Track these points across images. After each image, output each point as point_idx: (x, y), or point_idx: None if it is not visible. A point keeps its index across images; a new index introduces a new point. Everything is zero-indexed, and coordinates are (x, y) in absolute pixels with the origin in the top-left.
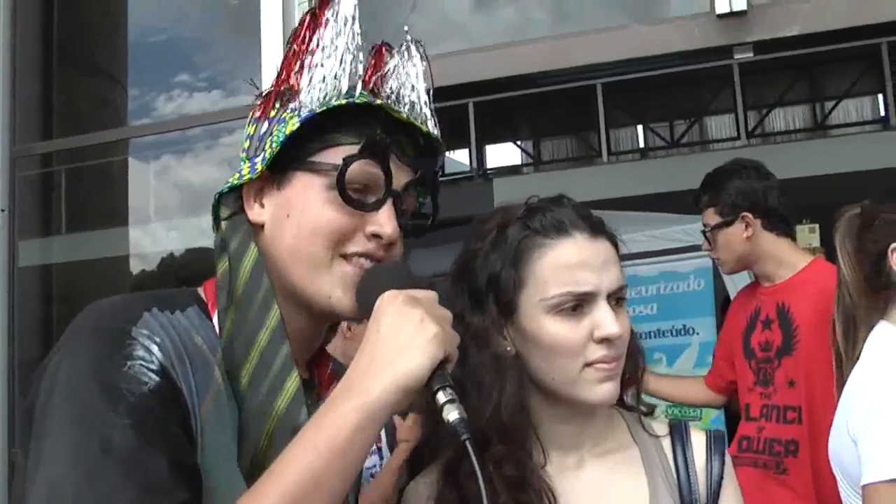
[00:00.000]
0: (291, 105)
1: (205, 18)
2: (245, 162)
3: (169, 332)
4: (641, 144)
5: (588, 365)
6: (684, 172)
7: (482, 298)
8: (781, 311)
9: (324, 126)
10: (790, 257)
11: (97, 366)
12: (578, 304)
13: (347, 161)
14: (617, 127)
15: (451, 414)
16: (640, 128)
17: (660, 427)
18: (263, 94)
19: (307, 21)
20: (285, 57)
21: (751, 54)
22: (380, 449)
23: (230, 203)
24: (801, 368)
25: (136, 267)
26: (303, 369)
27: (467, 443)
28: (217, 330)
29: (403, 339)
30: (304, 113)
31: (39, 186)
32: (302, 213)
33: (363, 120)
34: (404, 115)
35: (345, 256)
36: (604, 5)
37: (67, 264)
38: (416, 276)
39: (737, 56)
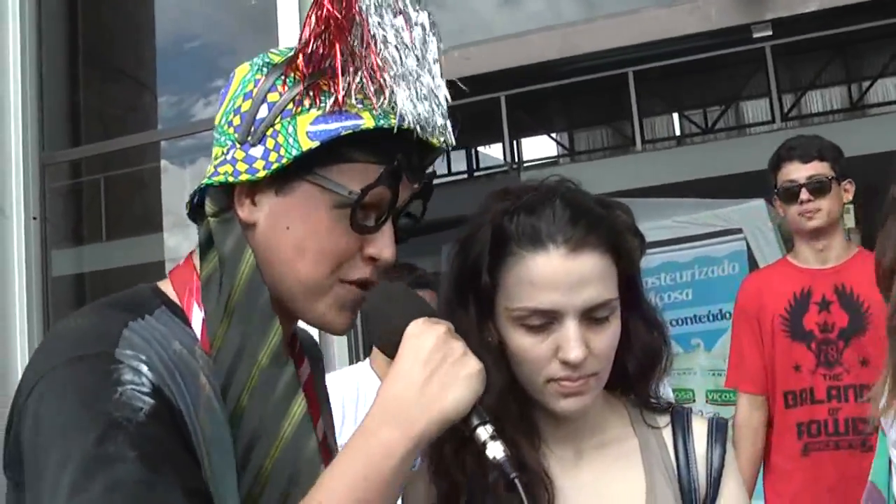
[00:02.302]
0: (297, 92)
1: (229, 20)
2: (235, 146)
3: (153, 346)
4: (676, 132)
5: (551, 380)
6: (720, 158)
7: (465, 293)
8: (841, 292)
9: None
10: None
11: (85, 398)
12: (543, 321)
13: (366, 191)
14: (651, 115)
15: (497, 452)
16: (674, 115)
17: (662, 418)
18: (266, 62)
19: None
20: (313, 26)
21: (769, 32)
22: None
23: (217, 196)
24: (876, 347)
25: None
26: None
27: (517, 481)
28: (196, 331)
29: (448, 373)
30: (329, 126)
31: (72, 196)
32: (306, 232)
33: (379, 134)
34: (435, 140)
35: (342, 280)
36: None
37: (101, 272)
38: (426, 302)
39: (755, 34)
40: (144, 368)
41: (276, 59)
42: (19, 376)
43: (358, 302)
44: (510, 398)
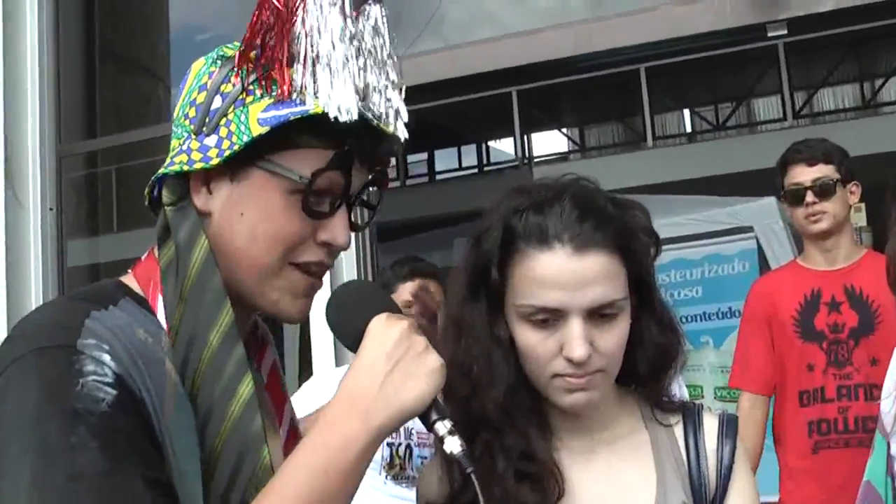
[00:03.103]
0: (251, 81)
1: (244, 13)
2: (191, 137)
3: (116, 334)
4: (687, 129)
5: (557, 375)
6: (731, 155)
7: (476, 287)
8: (851, 292)
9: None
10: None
11: (47, 390)
12: (548, 317)
13: (316, 175)
14: (662, 112)
15: (454, 446)
16: (685, 112)
17: (673, 414)
18: (220, 56)
19: None
20: (259, 19)
21: (784, 31)
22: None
23: (174, 186)
24: (885, 347)
25: None
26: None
27: (472, 475)
28: (161, 321)
29: (410, 367)
30: (279, 112)
31: (87, 187)
32: (258, 218)
33: (329, 120)
34: (385, 127)
35: (295, 264)
36: None
37: (116, 263)
38: (390, 297)
39: (770, 33)
40: (107, 358)
41: (229, 52)
42: None
43: (312, 289)
44: (521, 391)
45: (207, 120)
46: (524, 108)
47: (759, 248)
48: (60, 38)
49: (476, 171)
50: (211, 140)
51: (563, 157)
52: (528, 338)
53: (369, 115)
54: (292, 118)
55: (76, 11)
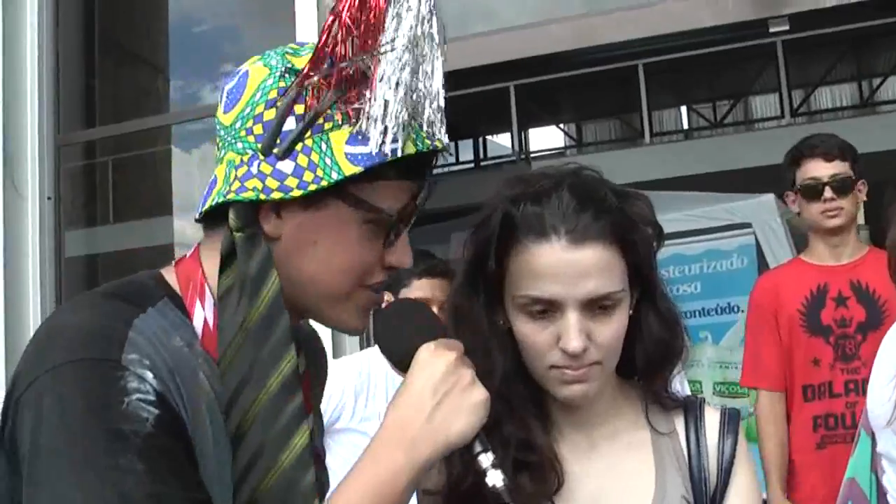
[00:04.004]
0: (326, 106)
1: (244, 6)
2: (257, 157)
3: (155, 346)
4: (685, 125)
5: (554, 367)
6: (728, 153)
7: (476, 277)
8: (857, 287)
9: None
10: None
11: (93, 405)
12: (545, 309)
13: (402, 213)
14: (660, 108)
15: (497, 480)
16: (683, 109)
17: (675, 408)
18: (287, 68)
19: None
20: (331, 29)
21: (786, 27)
22: None
23: (242, 210)
24: None
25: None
26: None
27: None
28: (197, 328)
29: (456, 401)
30: (366, 149)
31: (85, 178)
32: (334, 248)
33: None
34: (440, 145)
35: (363, 286)
36: None
37: (113, 254)
38: (440, 321)
39: (772, 29)
40: (150, 376)
41: (296, 63)
42: None
43: (376, 304)
44: (519, 381)
45: (279, 142)
46: (522, 102)
47: (758, 244)
48: (60, 28)
49: (473, 165)
50: (286, 166)
51: (560, 153)
52: (526, 329)
53: (437, 139)
54: (389, 159)
55: (76, 2)
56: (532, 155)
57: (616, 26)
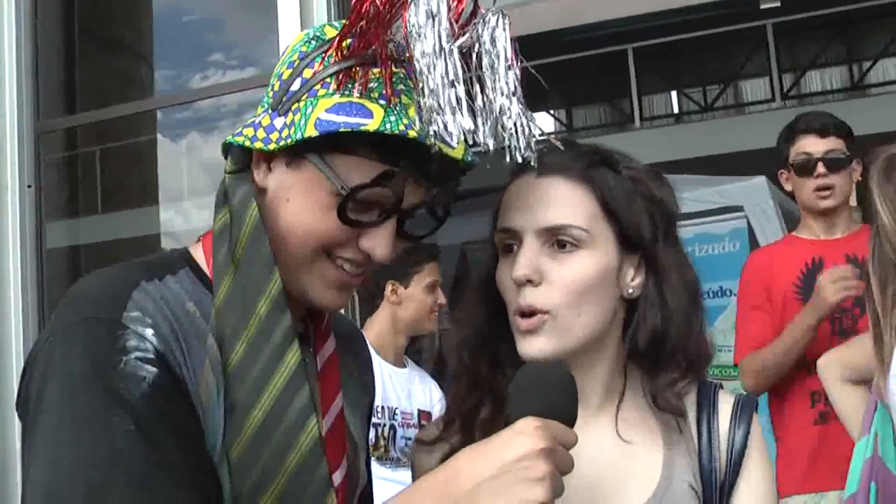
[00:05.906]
0: (330, 72)
1: None
2: (267, 111)
3: (160, 307)
4: (675, 109)
5: (516, 314)
6: (719, 136)
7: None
8: (854, 260)
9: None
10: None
11: (94, 363)
12: (512, 243)
13: (357, 189)
14: (650, 93)
15: None
16: (673, 93)
17: (688, 392)
18: (318, 35)
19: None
20: (361, 6)
21: (777, 3)
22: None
23: (238, 155)
24: None
25: (167, 246)
26: (297, 323)
27: None
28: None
29: (513, 486)
30: (336, 117)
31: (67, 167)
32: (299, 209)
33: (389, 137)
34: (454, 153)
35: (329, 255)
36: None
37: (96, 244)
38: (575, 406)
39: (763, 6)
40: (149, 333)
41: (329, 34)
42: (14, 345)
43: (345, 283)
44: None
45: (284, 99)
46: None
47: (750, 227)
48: (39, 14)
49: None
50: (279, 122)
51: None
52: (499, 270)
53: (432, 135)
54: (341, 130)
55: None
56: None
57: (602, 6)
